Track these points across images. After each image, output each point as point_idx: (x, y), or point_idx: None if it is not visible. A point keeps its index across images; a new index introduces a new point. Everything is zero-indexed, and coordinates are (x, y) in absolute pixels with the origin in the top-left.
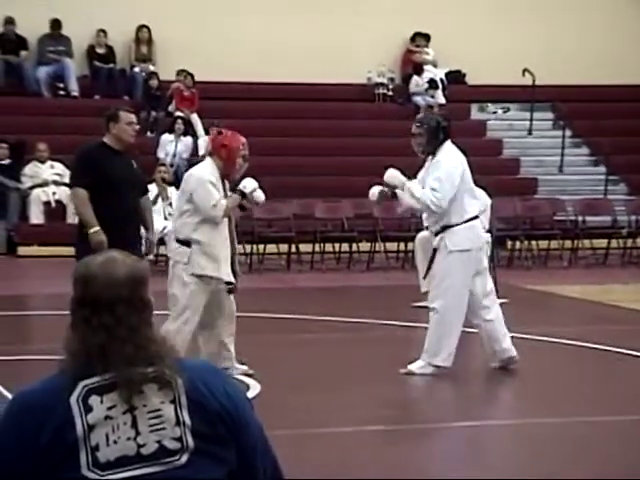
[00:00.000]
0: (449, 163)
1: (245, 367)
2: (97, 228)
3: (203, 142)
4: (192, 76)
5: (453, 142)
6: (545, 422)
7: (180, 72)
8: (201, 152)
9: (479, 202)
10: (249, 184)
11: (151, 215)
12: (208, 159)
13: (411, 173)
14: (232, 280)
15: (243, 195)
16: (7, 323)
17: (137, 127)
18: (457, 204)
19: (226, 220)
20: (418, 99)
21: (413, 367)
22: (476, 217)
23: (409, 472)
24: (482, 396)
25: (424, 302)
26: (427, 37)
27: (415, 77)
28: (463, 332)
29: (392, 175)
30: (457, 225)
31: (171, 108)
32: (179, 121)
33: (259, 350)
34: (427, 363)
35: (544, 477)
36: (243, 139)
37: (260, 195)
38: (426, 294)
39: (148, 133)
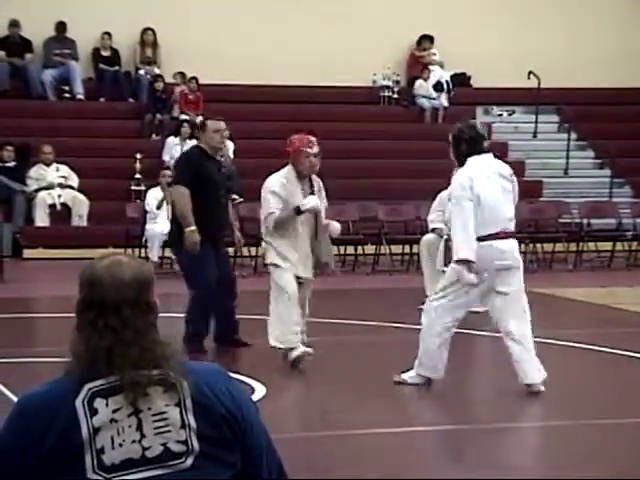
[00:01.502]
0: (456, 180)
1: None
2: (194, 227)
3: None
4: (196, 79)
5: (495, 156)
6: (552, 425)
7: (177, 74)
8: None
9: (496, 224)
10: (309, 201)
11: (235, 218)
12: (289, 165)
13: (413, 174)
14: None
15: (299, 211)
16: (12, 325)
17: (226, 134)
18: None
19: (300, 224)
20: (423, 101)
21: (405, 376)
22: (486, 238)
23: (415, 474)
24: (489, 399)
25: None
26: (431, 39)
27: (419, 81)
28: (471, 335)
29: None
30: None
31: (175, 113)
32: (186, 124)
33: (264, 352)
34: (416, 373)
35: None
36: (307, 139)
37: (335, 227)
38: None
39: (153, 136)
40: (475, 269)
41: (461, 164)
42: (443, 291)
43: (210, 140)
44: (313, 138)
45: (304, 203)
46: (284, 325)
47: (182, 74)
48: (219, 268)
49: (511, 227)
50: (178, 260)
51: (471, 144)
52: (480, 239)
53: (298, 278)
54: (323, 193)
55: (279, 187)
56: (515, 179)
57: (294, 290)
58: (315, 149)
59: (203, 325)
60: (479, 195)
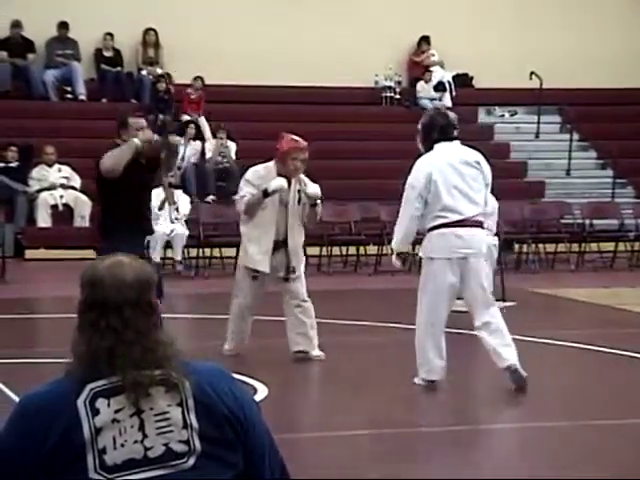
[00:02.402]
0: (415, 168)
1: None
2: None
3: (210, 145)
4: (202, 79)
5: (463, 143)
6: (553, 426)
7: (162, 77)
8: (208, 155)
9: (458, 212)
10: (273, 183)
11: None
12: (273, 161)
13: None
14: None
15: (266, 193)
16: (14, 326)
17: (148, 132)
18: (429, 209)
19: (267, 213)
20: (425, 102)
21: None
22: (447, 226)
23: (416, 474)
24: (490, 400)
25: None
26: (428, 40)
27: (421, 83)
28: (471, 336)
29: None
30: (429, 231)
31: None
32: (192, 125)
33: (266, 353)
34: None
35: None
36: (297, 144)
37: (311, 215)
38: None
39: (155, 136)
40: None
41: (427, 150)
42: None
43: (131, 138)
44: (304, 143)
45: (269, 184)
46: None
47: (167, 75)
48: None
49: (476, 215)
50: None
51: (442, 131)
52: (441, 226)
53: (255, 271)
54: (313, 197)
55: (254, 176)
56: (484, 166)
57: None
58: (303, 155)
59: None
60: (437, 182)
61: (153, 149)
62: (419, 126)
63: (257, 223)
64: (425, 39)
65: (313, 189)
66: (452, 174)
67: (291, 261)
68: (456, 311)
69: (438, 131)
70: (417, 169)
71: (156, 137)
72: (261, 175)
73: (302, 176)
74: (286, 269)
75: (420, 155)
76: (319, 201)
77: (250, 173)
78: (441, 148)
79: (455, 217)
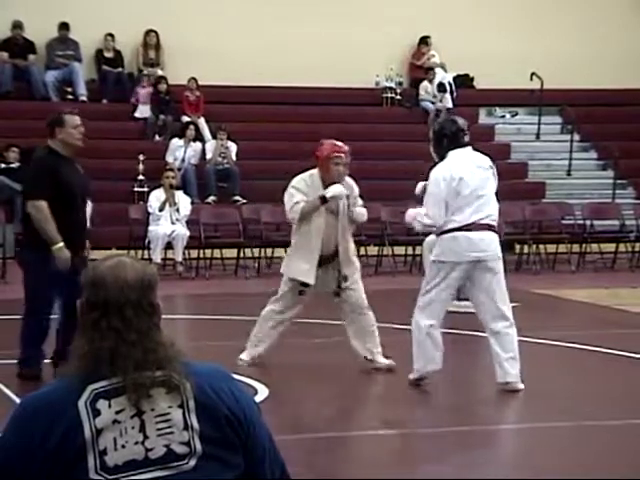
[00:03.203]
0: (433, 176)
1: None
2: (62, 244)
3: (210, 146)
4: (195, 80)
5: (475, 149)
6: (555, 426)
7: (144, 76)
8: (208, 156)
9: (475, 215)
10: (331, 189)
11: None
12: (315, 170)
13: (416, 175)
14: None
15: (324, 199)
16: (15, 327)
17: (83, 129)
18: (448, 214)
19: (315, 223)
20: (427, 104)
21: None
22: (461, 228)
23: (417, 474)
24: (493, 400)
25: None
26: (427, 42)
27: (425, 82)
28: (474, 336)
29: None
30: (441, 234)
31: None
32: (191, 126)
33: (267, 354)
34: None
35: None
36: (336, 147)
37: (360, 212)
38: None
39: (156, 137)
40: None
41: (442, 159)
42: (426, 288)
43: (69, 136)
44: (343, 147)
45: (328, 190)
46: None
47: (148, 76)
48: (70, 285)
49: (491, 219)
50: (24, 270)
51: (452, 138)
52: (453, 230)
53: (303, 285)
54: (357, 199)
55: (301, 184)
56: (494, 170)
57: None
58: (344, 158)
59: (38, 348)
60: (458, 186)
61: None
62: (430, 134)
63: (305, 232)
64: (426, 40)
65: (334, 189)
66: (470, 179)
67: (342, 270)
68: (454, 312)
69: (449, 139)
70: (435, 178)
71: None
72: (308, 184)
73: (348, 183)
74: (337, 280)
75: (435, 164)
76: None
77: (296, 181)
78: (455, 155)
79: (466, 220)
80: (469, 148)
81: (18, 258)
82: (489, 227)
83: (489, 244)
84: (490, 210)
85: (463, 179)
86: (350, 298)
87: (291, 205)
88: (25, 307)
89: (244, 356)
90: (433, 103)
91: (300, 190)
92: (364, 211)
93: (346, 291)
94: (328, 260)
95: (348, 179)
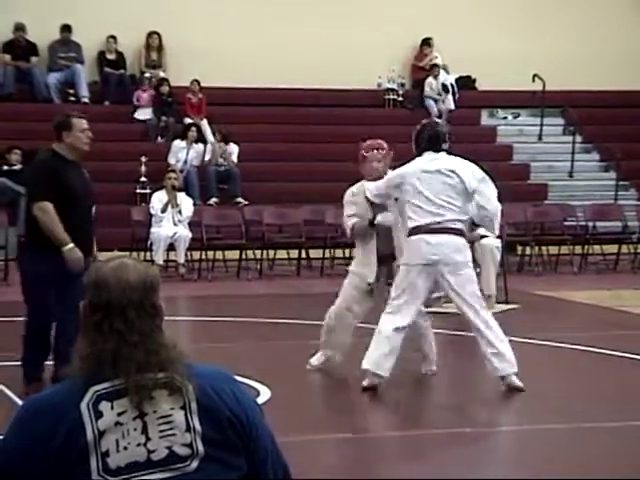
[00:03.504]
0: (389, 174)
1: None
2: (72, 245)
3: (209, 148)
4: (198, 82)
5: (451, 153)
6: (555, 428)
7: (146, 79)
8: (207, 157)
9: (429, 218)
10: (380, 217)
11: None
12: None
13: None
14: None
15: (371, 223)
16: (17, 328)
17: (90, 134)
18: (404, 217)
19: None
20: (431, 103)
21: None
22: (421, 231)
23: (418, 475)
24: (492, 402)
25: (435, 307)
26: (429, 43)
27: (430, 79)
28: (474, 337)
29: None
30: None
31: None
32: (193, 128)
33: (269, 356)
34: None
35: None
36: (371, 144)
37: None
38: (437, 299)
39: (159, 139)
40: None
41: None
42: (395, 292)
43: (76, 140)
44: (378, 144)
45: (378, 217)
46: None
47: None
48: (72, 287)
49: (451, 223)
50: (22, 275)
51: (429, 141)
52: (412, 234)
53: (369, 284)
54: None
55: (348, 196)
56: (462, 174)
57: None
58: (377, 154)
59: (40, 351)
60: (410, 188)
61: None
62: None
63: (362, 239)
64: (428, 41)
65: (382, 218)
66: (423, 181)
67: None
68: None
69: (426, 141)
70: (387, 177)
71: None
72: (354, 192)
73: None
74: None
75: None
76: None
77: (347, 195)
78: (424, 156)
79: (424, 223)
80: (442, 154)
81: (17, 260)
82: (448, 230)
83: (445, 247)
84: (450, 215)
85: (421, 180)
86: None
87: (345, 219)
88: (27, 310)
89: (315, 361)
90: (436, 101)
91: (348, 202)
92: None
93: None
94: (385, 260)
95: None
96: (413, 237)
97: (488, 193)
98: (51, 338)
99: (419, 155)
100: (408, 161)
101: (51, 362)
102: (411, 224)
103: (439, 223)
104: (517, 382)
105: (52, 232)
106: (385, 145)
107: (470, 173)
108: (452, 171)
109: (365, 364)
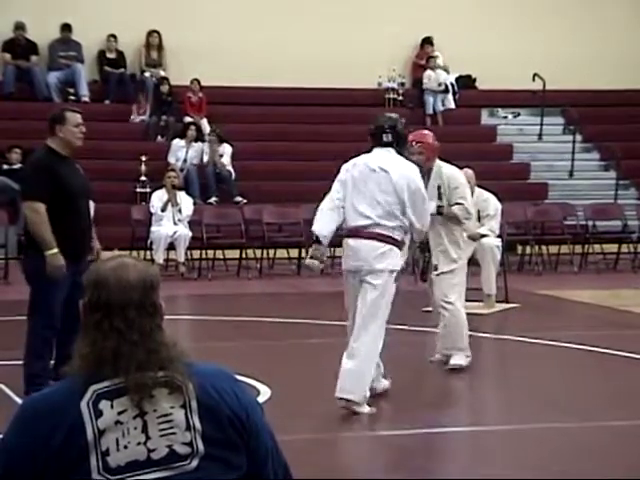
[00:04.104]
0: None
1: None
2: (55, 250)
3: (206, 148)
4: (198, 81)
5: (401, 154)
6: (557, 427)
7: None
8: (205, 158)
9: (351, 222)
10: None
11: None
12: None
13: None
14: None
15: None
16: (17, 327)
17: (84, 129)
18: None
19: None
20: (429, 99)
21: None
22: (348, 234)
23: (418, 475)
24: (494, 401)
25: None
26: (431, 42)
27: (428, 71)
28: (474, 337)
29: None
30: None
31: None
32: (192, 127)
33: (270, 355)
34: None
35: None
36: (411, 137)
37: (450, 210)
38: None
39: (158, 138)
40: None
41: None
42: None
43: (69, 134)
44: (416, 136)
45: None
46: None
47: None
48: (72, 286)
49: (367, 227)
50: (26, 279)
51: (372, 137)
52: (345, 235)
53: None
54: (453, 192)
55: None
56: (393, 175)
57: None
58: (416, 147)
59: (45, 363)
60: (349, 184)
61: None
62: None
63: None
64: (428, 40)
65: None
66: (357, 182)
67: (432, 258)
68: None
69: (371, 137)
70: (341, 171)
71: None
72: None
73: (444, 174)
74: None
75: None
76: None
77: None
78: (369, 154)
79: (351, 225)
80: (386, 149)
81: (22, 265)
82: (367, 236)
83: (364, 254)
84: (378, 219)
85: (350, 181)
86: (434, 289)
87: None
88: (31, 317)
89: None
90: (435, 97)
91: None
92: (456, 208)
93: (431, 282)
94: (421, 248)
95: (447, 171)
96: (344, 240)
97: (418, 207)
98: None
99: (369, 151)
100: None
101: (52, 361)
102: (345, 224)
103: (366, 227)
104: (356, 409)
105: (39, 233)
106: (424, 138)
107: (405, 181)
108: (382, 169)
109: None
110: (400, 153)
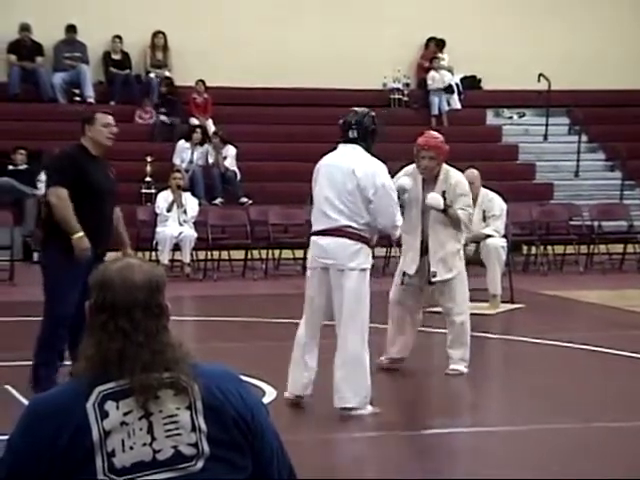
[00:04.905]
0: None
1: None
2: (82, 233)
3: (211, 150)
4: (203, 82)
5: (369, 149)
6: (562, 428)
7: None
8: (210, 160)
9: (324, 220)
10: (429, 197)
11: (124, 226)
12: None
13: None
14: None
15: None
16: (23, 328)
17: (115, 129)
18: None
19: (412, 218)
20: (434, 100)
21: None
22: (315, 233)
23: (419, 475)
24: (499, 401)
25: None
26: (442, 42)
27: (432, 73)
28: (479, 337)
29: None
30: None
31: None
32: (197, 130)
33: (275, 356)
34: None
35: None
36: (422, 141)
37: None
38: None
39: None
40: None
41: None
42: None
43: (98, 134)
44: (429, 141)
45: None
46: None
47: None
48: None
49: (336, 225)
50: (43, 273)
51: (341, 133)
52: (312, 233)
53: (404, 275)
54: (459, 198)
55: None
56: (359, 175)
57: None
58: (426, 153)
59: (54, 355)
60: (320, 188)
61: None
62: None
63: (405, 229)
64: (433, 41)
65: (430, 199)
66: (324, 180)
67: (431, 266)
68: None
69: (341, 129)
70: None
71: None
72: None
73: (452, 179)
74: (427, 274)
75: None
76: (448, 207)
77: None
78: (337, 150)
79: (316, 225)
80: (350, 148)
81: (41, 260)
82: (343, 234)
83: (337, 252)
84: (346, 219)
85: (319, 178)
86: (438, 298)
87: None
88: (45, 309)
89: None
90: (440, 97)
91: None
92: (460, 213)
93: (438, 289)
94: (423, 251)
95: (454, 176)
96: (311, 238)
97: (383, 205)
98: (65, 343)
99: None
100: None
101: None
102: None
103: (333, 224)
104: (359, 412)
105: (64, 218)
106: (438, 144)
107: (370, 178)
108: (351, 169)
109: None
110: (368, 148)
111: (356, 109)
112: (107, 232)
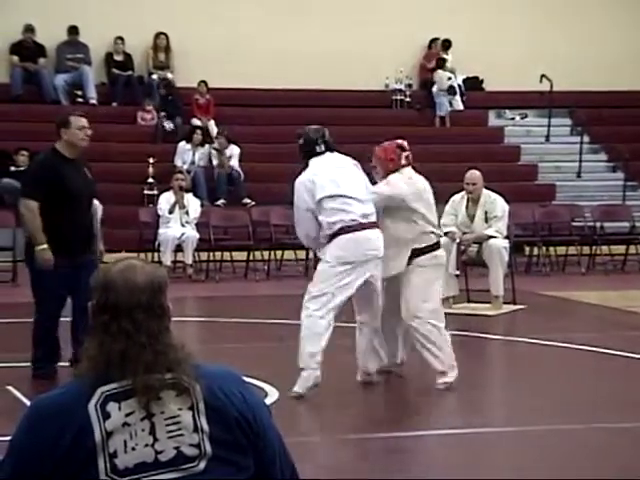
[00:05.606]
0: (295, 186)
1: None
2: (45, 245)
3: (214, 151)
4: (205, 83)
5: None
6: (563, 429)
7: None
8: (214, 162)
9: (355, 211)
10: None
11: (98, 223)
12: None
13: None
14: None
15: None
16: (26, 329)
17: (89, 132)
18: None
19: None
20: (442, 100)
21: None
22: (353, 228)
23: (420, 476)
24: (499, 402)
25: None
26: (447, 43)
27: (439, 71)
28: (481, 338)
29: None
30: (333, 238)
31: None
32: (198, 131)
33: (277, 357)
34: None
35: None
36: (389, 149)
37: None
38: (447, 299)
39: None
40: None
41: (305, 167)
42: (323, 289)
43: (73, 136)
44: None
45: None
46: None
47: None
48: (76, 291)
49: (371, 218)
50: (30, 276)
51: (305, 148)
52: (348, 231)
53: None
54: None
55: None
56: (359, 169)
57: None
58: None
59: (48, 347)
60: (324, 189)
61: None
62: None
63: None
64: (438, 41)
65: None
66: (339, 180)
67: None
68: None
69: (301, 149)
70: (297, 189)
71: None
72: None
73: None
74: None
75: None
76: None
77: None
78: (316, 162)
79: (355, 219)
80: (327, 155)
81: (26, 258)
82: (373, 225)
83: (379, 243)
84: (369, 211)
85: (322, 180)
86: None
87: None
88: (35, 306)
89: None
90: (449, 90)
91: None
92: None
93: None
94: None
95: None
96: (349, 235)
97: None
98: (59, 337)
99: (305, 164)
100: (418, 162)
101: (60, 363)
102: (340, 224)
103: (365, 217)
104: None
105: (31, 230)
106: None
107: (361, 173)
108: (355, 167)
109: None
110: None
111: (308, 127)
112: (87, 234)
